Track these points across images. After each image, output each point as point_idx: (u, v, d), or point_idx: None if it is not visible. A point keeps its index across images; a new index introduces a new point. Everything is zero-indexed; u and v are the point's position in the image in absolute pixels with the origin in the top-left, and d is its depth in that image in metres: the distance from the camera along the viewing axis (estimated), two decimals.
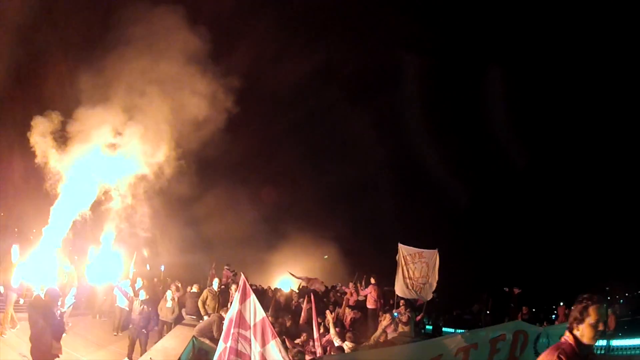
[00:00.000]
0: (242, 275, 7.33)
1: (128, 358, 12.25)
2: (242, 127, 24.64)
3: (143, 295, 13.28)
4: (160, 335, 13.70)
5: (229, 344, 7.08)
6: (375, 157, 37.62)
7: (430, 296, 14.10)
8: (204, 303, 14.24)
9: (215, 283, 14.99)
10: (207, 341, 11.42)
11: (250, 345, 6.95)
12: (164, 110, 16.72)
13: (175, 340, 11.34)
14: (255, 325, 6.92)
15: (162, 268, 23.34)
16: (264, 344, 6.81)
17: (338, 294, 15.76)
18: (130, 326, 13.16)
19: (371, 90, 36.75)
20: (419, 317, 12.91)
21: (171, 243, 23.36)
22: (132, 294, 14.70)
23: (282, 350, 6.70)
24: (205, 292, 14.55)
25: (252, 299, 7.02)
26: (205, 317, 13.70)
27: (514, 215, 40.75)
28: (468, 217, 39.91)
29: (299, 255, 27.22)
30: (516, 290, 15.30)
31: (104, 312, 16.51)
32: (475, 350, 6.79)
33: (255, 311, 6.96)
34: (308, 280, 17.86)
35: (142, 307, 12.91)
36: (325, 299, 14.69)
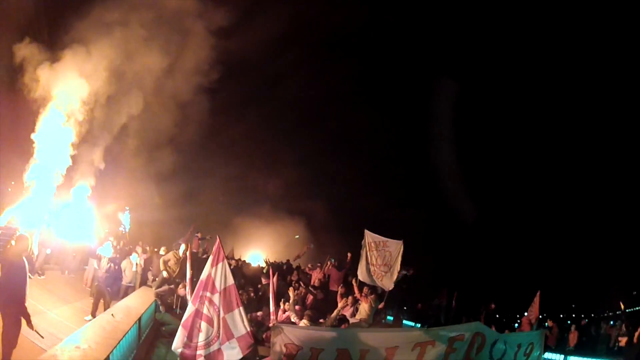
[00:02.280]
0: (218, 238, 7.51)
1: (92, 315, 12.15)
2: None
3: (110, 253, 13.40)
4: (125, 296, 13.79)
5: (196, 307, 7.32)
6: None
7: (391, 286, 14.27)
8: (165, 263, 14.39)
9: (182, 249, 14.97)
10: (168, 315, 11.74)
11: (216, 310, 7.17)
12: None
13: (138, 301, 11.51)
14: (223, 290, 7.15)
15: (127, 228, 23.48)
16: (228, 310, 7.09)
17: (303, 274, 15.98)
18: (96, 284, 13.28)
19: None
20: (380, 306, 13.17)
21: (142, 201, 23.49)
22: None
23: (245, 319, 7.05)
24: (170, 254, 14.69)
25: (224, 264, 7.24)
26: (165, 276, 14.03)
27: (488, 219, 41.25)
28: (441, 212, 40.36)
29: (271, 231, 27.46)
30: (492, 306, 15.68)
31: (73, 269, 16.60)
32: (432, 347, 6.99)
33: (225, 277, 7.19)
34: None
35: (109, 265, 13.01)
36: (290, 278, 14.88)
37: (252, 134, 32.73)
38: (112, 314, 8.79)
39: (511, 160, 41.93)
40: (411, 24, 35.78)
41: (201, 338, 7.20)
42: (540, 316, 15.08)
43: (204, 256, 15.68)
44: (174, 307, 12.39)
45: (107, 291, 12.72)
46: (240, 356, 7.00)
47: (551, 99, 40.21)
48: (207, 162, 28.67)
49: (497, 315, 16.87)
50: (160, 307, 12.40)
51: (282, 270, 15.64)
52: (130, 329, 8.23)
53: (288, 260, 18.07)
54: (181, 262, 14.45)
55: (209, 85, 21.72)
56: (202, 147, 26.83)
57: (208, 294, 7.27)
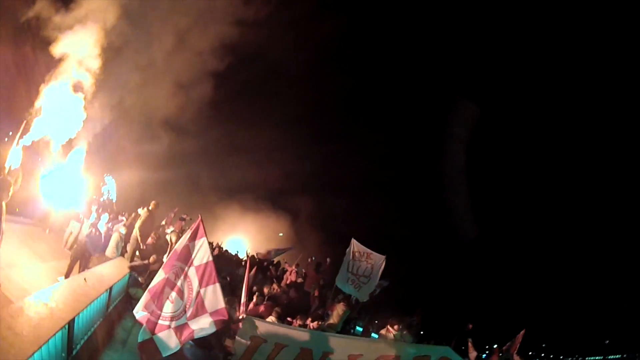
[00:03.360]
0: (200, 217, 7.58)
1: (65, 277, 12.24)
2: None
3: (94, 217, 13.40)
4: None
5: (167, 276, 7.34)
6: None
7: (366, 298, 14.42)
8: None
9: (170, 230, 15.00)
10: (142, 292, 11.71)
11: (189, 281, 7.21)
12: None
13: (114, 270, 11.47)
14: (200, 266, 7.19)
15: (114, 197, 23.49)
16: (206, 284, 7.12)
17: (280, 271, 15.97)
18: (75, 246, 13.32)
19: None
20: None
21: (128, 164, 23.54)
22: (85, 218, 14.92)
23: (221, 295, 7.07)
24: (144, 212, 14.55)
25: (203, 240, 7.30)
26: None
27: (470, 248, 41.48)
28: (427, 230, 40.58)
29: (254, 222, 27.48)
30: (470, 326, 15.72)
31: (55, 228, 16.60)
32: None
33: (204, 253, 7.24)
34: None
35: (90, 229, 13.02)
36: (268, 273, 14.91)
37: (247, 121, 32.78)
38: (84, 278, 8.77)
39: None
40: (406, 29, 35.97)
41: (170, 309, 7.22)
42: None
43: None
44: (143, 283, 12.37)
45: (86, 256, 12.72)
46: (213, 330, 7.03)
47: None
48: (198, 139, 28.62)
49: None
50: (139, 279, 12.38)
51: (262, 265, 15.60)
52: (100, 295, 8.23)
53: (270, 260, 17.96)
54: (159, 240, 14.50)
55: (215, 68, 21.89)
56: (194, 124, 26.76)
57: (182, 265, 7.30)
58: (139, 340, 7.29)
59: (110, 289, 9.43)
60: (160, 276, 7.43)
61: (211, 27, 20.74)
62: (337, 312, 11.32)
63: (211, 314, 7.04)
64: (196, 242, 7.37)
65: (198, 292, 7.14)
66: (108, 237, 14.44)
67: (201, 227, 7.39)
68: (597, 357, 37.91)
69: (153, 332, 7.17)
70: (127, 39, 16.70)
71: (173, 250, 7.63)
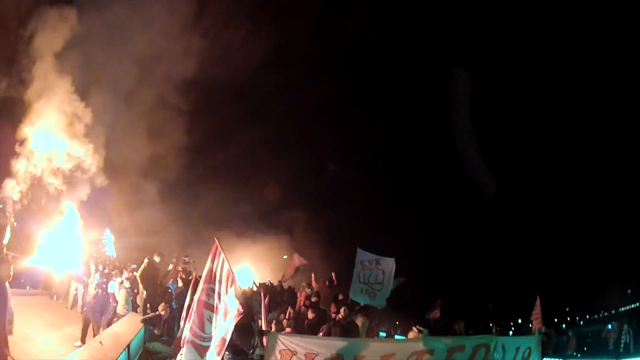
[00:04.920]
0: (216, 240, 7.81)
1: (81, 342, 12.10)
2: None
3: (97, 278, 13.32)
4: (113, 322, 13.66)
5: (198, 297, 7.76)
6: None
7: (383, 304, 14.29)
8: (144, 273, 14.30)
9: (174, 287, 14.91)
10: (158, 344, 11.68)
11: (218, 297, 7.48)
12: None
13: (127, 327, 11.40)
14: (221, 278, 7.46)
15: (113, 253, 23.39)
16: (226, 292, 7.33)
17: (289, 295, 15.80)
18: (85, 309, 13.19)
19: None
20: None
21: (127, 225, 23.49)
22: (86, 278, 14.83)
23: (239, 292, 7.25)
24: (145, 263, 14.48)
25: (222, 256, 7.55)
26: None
27: (477, 226, 41.39)
28: (430, 222, 40.50)
29: (258, 250, 27.35)
30: (490, 305, 15.70)
31: (61, 294, 16.47)
32: (430, 356, 6.94)
33: (223, 265, 7.49)
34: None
35: (96, 290, 12.91)
36: (281, 298, 14.78)
37: (238, 152, 32.72)
38: (100, 342, 8.70)
39: (506, 165, 42.10)
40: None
41: (210, 329, 7.53)
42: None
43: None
44: (161, 334, 12.27)
45: (96, 317, 12.61)
46: (232, 326, 7.14)
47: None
48: (192, 186, 28.69)
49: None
50: (155, 330, 12.30)
51: (275, 292, 15.45)
52: (119, 356, 8.16)
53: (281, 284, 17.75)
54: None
55: (193, 108, 21.92)
56: (188, 169, 26.74)
57: (210, 285, 7.63)
58: None
59: (128, 347, 9.34)
60: (195, 299, 7.87)
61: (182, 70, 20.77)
62: (358, 322, 11.26)
63: (230, 314, 7.23)
64: (216, 260, 7.65)
65: (225, 301, 7.36)
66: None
67: (218, 247, 7.68)
68: (623, 309, 37.63)
69: (202, 356, 7.46)
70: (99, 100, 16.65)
71: (202, 276, 7.97)
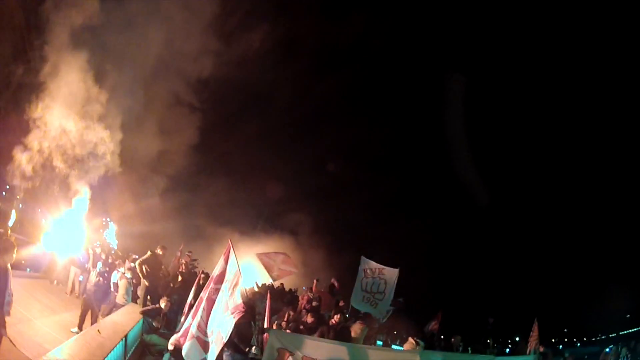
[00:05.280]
0: (230, 242, 7.95)
1: (78, 328, 12.10)
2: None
3: (100, 266, 13.31)
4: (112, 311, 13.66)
5: (206, 295, 7.95)
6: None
7: (384, 314, 14.25)
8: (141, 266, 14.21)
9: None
10: (156, 336, 11.66)
11: (224, 295, 7.56)
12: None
13: (126, 317, 11.37)
14: (230, 278, 7.56)
15: (114, 243, 23.38)
16: (232, 291, 7.40)
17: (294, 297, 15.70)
18: (84, 296, 13.17)
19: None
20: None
21: (130, 214, 23.51)
22: (89, 264, 14.83)
23: (243, 292, 7.62)
24: (147, 255, 14.44)
25: (234, 257, 7.67)
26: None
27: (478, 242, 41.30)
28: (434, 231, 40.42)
29: (262, 250, 27.24)
30: (491, 320, 15.59)
31: (62, 279, 16.47)
32: None
33: (234, 267, 7.57)
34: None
35: (98, 278, 12.90)
36: (282, 301, 14.70)
37: (242, 150, 32.69)
38: (98, 330, 8.66)
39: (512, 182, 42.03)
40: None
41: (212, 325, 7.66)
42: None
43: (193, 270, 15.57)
44: (159, 327, 12.24)
45: (96, 305, 12.58)
46: (232, 324, 7.18)
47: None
48: (196, 178, 28.57)
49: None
50: (154, 323, 12.28)
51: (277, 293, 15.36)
52: (116, 345, 8.12)
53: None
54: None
55: (198, 103, 21.91)
56: (192, 164, 26.68)
57: (218, 286, 7.79)
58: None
59: (126, 337, 9.30)
60: (203, 299, 8.02)
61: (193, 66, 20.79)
62: (355, 331, 11.19)
63: (232, 310, 7.30)
64: (229, 261, 7.77)
65: (229, 299, 7.45)
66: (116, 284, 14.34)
67: (230, 249, 7.83)
68: (621, 333, 37.51)
69: (205, 351, 7.62)
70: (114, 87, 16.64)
71: (212, 276, 8.15)
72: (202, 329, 7.79)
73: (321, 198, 35.97)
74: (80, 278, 15.75)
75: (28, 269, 16.17)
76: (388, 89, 38.24)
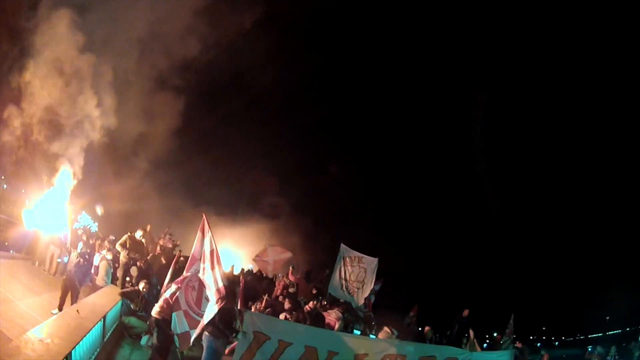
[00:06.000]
0: (204, 216, 8.14)
1: (58, 309, 12.13)
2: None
3: (80, 247, 13.38)
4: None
5: (201, 275, 8.04)
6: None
7: (361, 302, 14.43)
8: (123, 246, 14.53)
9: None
10: (134, 319, 11.82)
11: (207, 272, 7.83)
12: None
13: (105, 299, 11.49)
14: (209, 255, 7.83)
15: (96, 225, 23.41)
16: (212, 267, 7.71)
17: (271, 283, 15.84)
18: (65, 277, 13.23)
19: None
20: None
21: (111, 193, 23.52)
22: (69, 245, 14.92)
23: (222, 275, 7.66)
24: (125, 237, 14.73)
25: (209, 235, 7.88)
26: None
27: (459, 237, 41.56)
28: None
29: (239, 233, 27.32)
30: (465, 312, 15.82)
31: (43, 260, 16.53)
32: None
33: (210, 245, 7.82)
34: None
35: (78, 259, 12.96)
36: (260, 287, 14.84)
37: (222, 130, 32.58)
38: (77, 310, 8.80)
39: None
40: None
41: (205, 307, 7.88)
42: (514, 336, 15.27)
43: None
44: (138, 309, 12.38)
45: (76, 286, 12.67)
46: (216, 310, 7.46)
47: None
48: (176, 158, 28.41)
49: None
50: (131, 305, 12.41)
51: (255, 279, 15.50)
52: (94, 326, 8.25)
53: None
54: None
55: (180, 83, 21.90)
56: (173, 144, 26.56)
57: (207, 265, 7.88)
58: (179, 332, 8.10)
59: (104, 318, 9.44)
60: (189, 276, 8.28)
61: (184, 52, 20.74)
62: (332, 316, 11.39)
63: (215, 293, 7.56)
64: (205, 239, 7.96)
65: (214, 278, 7.67)
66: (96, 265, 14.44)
67: (206, 224, 7.99)
68: (598, 335, 38.02)
69: (191, 327, 7.97)
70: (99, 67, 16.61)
71: (191, 253, 8.31)
72: (192, 305, 8.04)
73: (301, 179, 35.84)
74: (64, 259, 15.78)
75: (11, 251, 16.18)
76: (369, 67, 38.15)
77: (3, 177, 21.01)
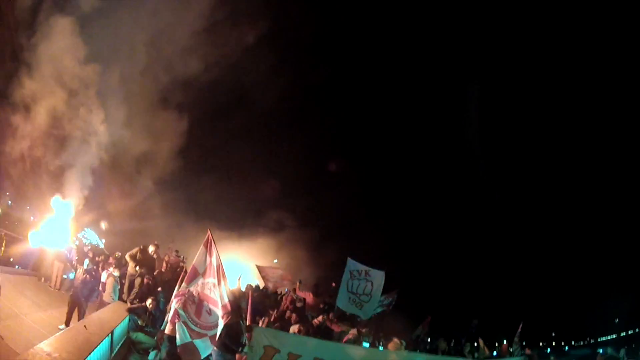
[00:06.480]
0: (209, 231, 8.24)
1: (65, 325, 12.18)
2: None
3: (87, 263, 13.35)
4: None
5: (199, 290, 8.22)
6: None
7: (369, 315, 14.37)
8: (132, 257, 14.28)
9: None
10: (142, 334, 11.77)
11: (217, 290, 7.92)
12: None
13: (113, 314, 11.43)
14: (217, 272, 7.96)
15: (102, 243, 23.36)
16: (218, 283, 7.85)
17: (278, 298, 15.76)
18: (71, 293, 13.22)
19: None
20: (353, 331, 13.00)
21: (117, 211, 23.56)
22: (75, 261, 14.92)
23: (227, 290, 7.83)
24: (136, 250, 14.52)
25: (215, 250, 8.05)
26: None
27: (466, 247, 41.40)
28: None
29: (246, 248, 27.26)
30: (474, 323, 15.74)
31: (49, 276, 16.52)
32: None
33: (217, 261, 7.98)
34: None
35: (84, 275, 12.93)
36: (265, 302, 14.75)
37: (227, 147, 32.64)
38: (84, 325, 8.75)
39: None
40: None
41: (208, 320, 8.01)
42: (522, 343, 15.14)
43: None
44: (145, 325, 12.33)
45: (83, 302, 12.63)
46: (222, 325, 7.64)
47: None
48: (180, 176, 28.48)
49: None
50: (139, 321, 12.37)
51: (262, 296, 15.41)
52: (102, 341, 8.20)
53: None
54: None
55: (183, 100, 22.01)
56: (178, 161, 26.66)
57: (210, 280, 8.04)
58: (179, 343, 8.03)
59: (112, 333, 9.38)
60: (189, 291, 8.28)
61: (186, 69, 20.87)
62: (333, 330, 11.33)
63: (221, 309, 7.70)
64: (209, 254, 8.10)
65: (220, 294, 7.80)
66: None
67: (211, 239, 8.12)
68: (607, 337, 37.78)
69: (192, 337, 7.96)
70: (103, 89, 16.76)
71: (195, 268, 8.35)
72: (192, 317, 8.05)
73: (307, 194, 35.86)
74: (70, 276, 15.77)
75: (17, 266, 16.20)
76: (370, 79, 38.40)
77: (7, 194, 21.08)
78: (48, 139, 15.84)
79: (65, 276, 16.15)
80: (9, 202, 21.37)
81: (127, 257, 14.36)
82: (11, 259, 15.96)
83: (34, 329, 10.94)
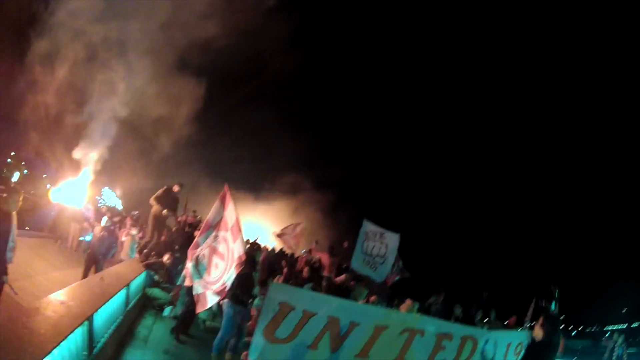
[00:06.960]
0: (226, 187, 8.31)
1: None
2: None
3: (104, 221, 13.35)
4: None
5: (210, 243, 8.33)
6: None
7: (383, 278, 14.29)
8: (157, 199, 14.38)
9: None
10: (158, 290, 11.82)
11: (226, 244, 7.99)
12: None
13: (129, 269, 11.46)
14: (232, 227, 7.88)
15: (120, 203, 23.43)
16: (234, 240, 7.79)
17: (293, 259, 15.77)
18: (88, 251, 13.25)
19: None
20: (372, 298, 12.97)
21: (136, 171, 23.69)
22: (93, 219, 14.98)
23: (243, 244, 7.81)
24: (161, 191, 14.60)
25: (231, 204, 8.03)
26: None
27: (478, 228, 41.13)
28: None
29: (266, 212, 27.33)
30: (485, 294, 15.61)
31: (65, 237, 16.61)
32: (421, 337, 6.85)
33: (233, 215, 7.91)
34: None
35: (102, 233, 12.94)
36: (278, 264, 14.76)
37: (244, 108, 32.50)
38: (101, 277, 8.76)
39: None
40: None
41: (215, 274, 8.05)
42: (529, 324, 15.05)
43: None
44: (162, 281, 12.37)
45: (100, 259, 12.65)
46: (235, 275, 7.66)
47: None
48: (198, 136, 28.46)
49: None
50: (155, 276, 12.43)
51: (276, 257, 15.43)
52: (118, 292, 8.21)
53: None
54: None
55: (202, 63, 21.91)
56: (194, 123, 26.62)
57: (222, 233, 8.10)
58: (195, 293, 8.34)
59: (128, 286, 9.40)
60: (204, 247, 8.43)
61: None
62: (354, 294, 11.26)
63: (236, 259, 7.68)
64: (227, 209, 8.07)
65: (232, 249, 7.81)
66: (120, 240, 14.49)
67: (227, 194, 8.16)
68: (616, 327, 37.60)
69: (204, 289, 8.17)
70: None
71: (209, 221, 8.42)
72: (202, 269, 8.27)
73: (322, 155, 35.61)
74: (87, 238, 15.83)
75: (27, 227, 16.30)
76: (393, 49, 37.78)
77: (24, 163, 21.19)
78: (67, 97, 15.76)
79: (82, 238, 16.25)
80: (25, 170, 21.49)
81: (151, 200, 14.35)
82: (27, 228, 16.03)
83: (49, 289, 10.94)
